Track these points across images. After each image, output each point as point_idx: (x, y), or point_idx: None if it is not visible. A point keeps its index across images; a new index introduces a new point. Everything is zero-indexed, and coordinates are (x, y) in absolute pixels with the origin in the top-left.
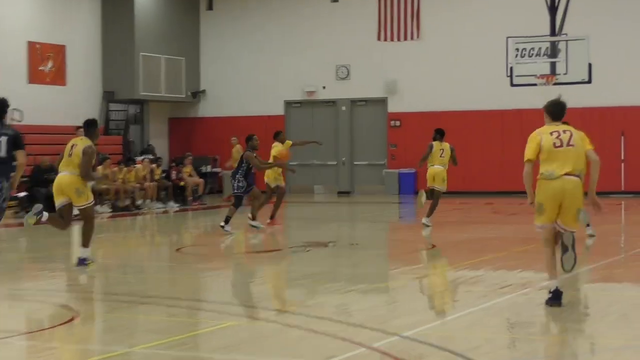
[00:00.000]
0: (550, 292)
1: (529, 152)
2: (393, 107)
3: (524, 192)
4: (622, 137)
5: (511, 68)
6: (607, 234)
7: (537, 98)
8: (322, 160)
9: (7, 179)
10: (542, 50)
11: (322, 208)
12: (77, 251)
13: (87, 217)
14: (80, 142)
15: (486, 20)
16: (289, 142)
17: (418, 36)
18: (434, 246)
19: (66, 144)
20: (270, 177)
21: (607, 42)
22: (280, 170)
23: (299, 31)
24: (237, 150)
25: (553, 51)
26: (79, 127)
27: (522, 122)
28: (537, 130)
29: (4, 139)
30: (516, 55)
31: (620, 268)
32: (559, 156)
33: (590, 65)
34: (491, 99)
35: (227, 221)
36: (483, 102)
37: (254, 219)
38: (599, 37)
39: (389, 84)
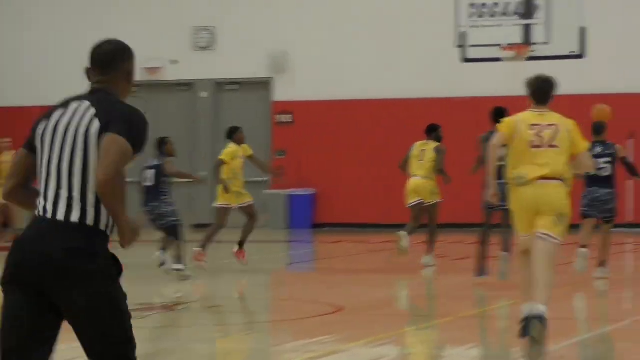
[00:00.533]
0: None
1: (499, 139)
2: (281, 93)
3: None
4: (631, 140)
5: (463, 34)
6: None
7: (501, 80)
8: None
9: None
10: (511, 8)
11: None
12: None
13: None
14: None
15: None
16: (248, 150)
17: None
18: (338, 310)
19: None
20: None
21: None
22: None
23: None
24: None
25: (527, 9)
26: None
27: (477, 117)
28: (515, 117)
29: None
30: (471, 16)
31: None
32: (535, 158)
33: (583, 30)
34: (432, 81)
35: (178, 260)
36: (419, 87)
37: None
38: None
39: (276, 58)
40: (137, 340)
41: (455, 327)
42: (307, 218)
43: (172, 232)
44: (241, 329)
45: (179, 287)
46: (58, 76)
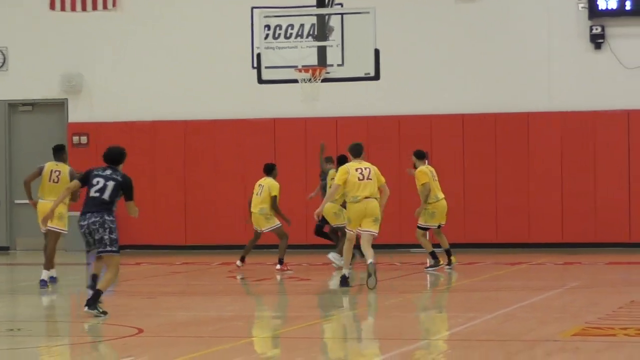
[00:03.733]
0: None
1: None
2: (76, 114)
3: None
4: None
5: (258, 55)
6: None
7: (297, 103)
8: None
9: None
10: (306, 29)
11: None
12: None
13: None
14: None
15: None
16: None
17: (114, 4)
18: (138, 332)
19: None
20: None
21: (403, 15)
22: None
23: None
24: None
25: (322, 30)
26: None
27: (268, 138)
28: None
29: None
30: (266, 37)
31: None
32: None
33: (377, 52)
34: (230, 103)
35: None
36: (219, 107)
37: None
38: (390, 8)
39: (70, 79)
40: None
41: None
42: None
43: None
44: (37, 353)
45: None
46: None
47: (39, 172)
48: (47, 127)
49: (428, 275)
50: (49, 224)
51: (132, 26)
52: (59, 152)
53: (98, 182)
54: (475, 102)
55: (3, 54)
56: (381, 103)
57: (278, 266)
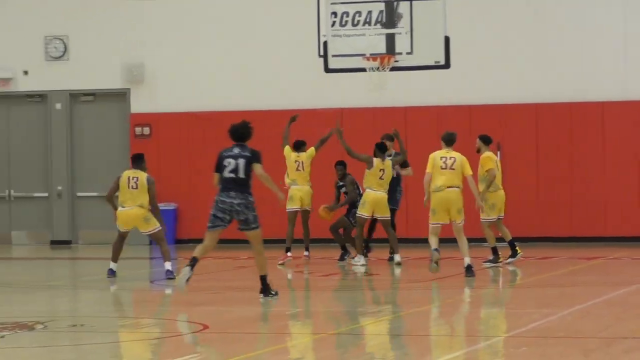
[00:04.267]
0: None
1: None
2: (139, 105)
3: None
4: (498, 152)
5: (325, 43)
6: None
7: (364, 92)
8: (23, 190)
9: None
10: (374, 16)
11: (25, 268)
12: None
13: None
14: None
15: None
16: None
17: None
18: (203, 329)
19: None
20: None
21: (473, 2)
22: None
23: None
24: None
25: (390, 17)
26: None
27: (343, 127)
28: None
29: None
30: (333, 24)
31: None
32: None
33: (447, 39)
34: (295, 92)
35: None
36: (282, 98)
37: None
38: None
39: (132, 69)
40: None
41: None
42: (170, 233)
43: None
44: (100, 348)
45: (40, 305)
46: None
47: (117, 182)
48: (109, 118)
49: (500, 270)
50: (143, 229)
51: (196, 14)
52: (137, 161)
53: (229, 163)
54: (548, 90)
55: (64, 43)
56: (451, 92)
57: (289, 254)
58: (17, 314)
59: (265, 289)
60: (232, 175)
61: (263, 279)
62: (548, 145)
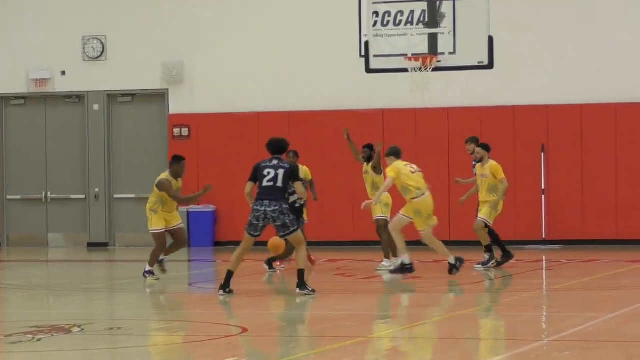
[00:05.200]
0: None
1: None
2: (177, 105)
3: None
4: (542, 154)
5: (366, 43)
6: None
7: (406, 92)
8: (60, 192)
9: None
10: (417, 16)
11: (62, 270)
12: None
13: None
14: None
15: None
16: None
17: None
18: (242, 332)
19: None
20: None
21: (517, 1)
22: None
23: None
24: None
25: (433, 17)
26: None
27: (376, 130)
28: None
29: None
30: (375, 24)
31: None
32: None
33: (491, 39)
34: (337, 92)
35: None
36: (323, 98)
37: None
38: None
39: (171, 68)
40: None
41: (364, 348)
42: (208, 236)
43: None
44: (137, 352)
45: (77, 307)
46: None
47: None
48: (147, 119)
49: (543, 273)
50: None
51: (235, 14)
52: (171, 162)
53: (269, 173)
54: (593, 91)
55: (102, 43)
56: (495, 93)
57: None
58: (54, 317)
59: (301, 284)
60: (270, 183)
61: (300, 273)
62: (593, 146)
